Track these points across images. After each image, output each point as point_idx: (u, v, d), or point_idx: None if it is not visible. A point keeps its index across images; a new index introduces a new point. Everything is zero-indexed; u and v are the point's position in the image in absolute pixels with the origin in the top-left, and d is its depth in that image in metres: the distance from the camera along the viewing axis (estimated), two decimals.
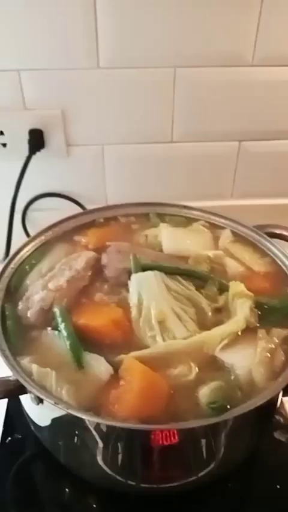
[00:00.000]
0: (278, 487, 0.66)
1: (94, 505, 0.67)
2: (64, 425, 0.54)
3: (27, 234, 1.09)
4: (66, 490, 0.68)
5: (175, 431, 0.48)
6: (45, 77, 0.92)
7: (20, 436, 0.72)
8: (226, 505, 0.66)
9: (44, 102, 0.95)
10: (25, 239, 0.73)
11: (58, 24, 0.86)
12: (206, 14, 0.88)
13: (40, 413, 0.58)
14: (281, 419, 0.75)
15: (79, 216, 0.80)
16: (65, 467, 0.66)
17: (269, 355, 0.55)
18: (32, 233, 0.82)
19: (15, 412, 0.73)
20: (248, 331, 0.59)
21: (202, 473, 0.58)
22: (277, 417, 0.74)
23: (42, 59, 0.90)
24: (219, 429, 0.51)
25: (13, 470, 0.68)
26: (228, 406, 0.49)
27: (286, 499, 0.64)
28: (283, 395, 0.56)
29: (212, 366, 0.55)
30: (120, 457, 0.54)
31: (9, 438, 0.72)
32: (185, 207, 0.83)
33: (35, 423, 0.63)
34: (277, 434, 0.73)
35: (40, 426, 0.61)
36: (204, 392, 0.51)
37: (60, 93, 0.94)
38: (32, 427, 0.65)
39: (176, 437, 0.50)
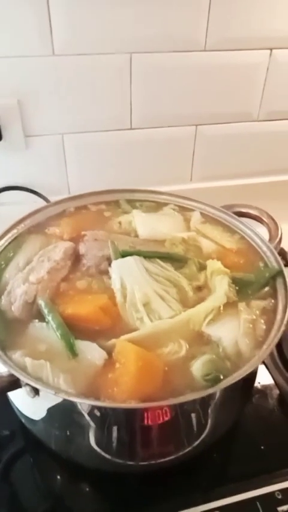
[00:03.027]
0: (262, 447, 0.70)
1: (87, 489, 0.68)
2: (62, 413, 0.55)
3: None
4: (58, 477, 0.68)
5: (175, 406, 0.50)
6: None
7: (7, 433, 0.71)
8: (216, 473, 0.69)
9: None
10: None
11: (10, 11, 0.84)
12: None
13: (34, 406, 0.58)
14: (258, 385, 0.80)
15: (49, 207, 0.79)
16: (55, 458, 0.66)
17: (251, 326, 0.59)
18: None
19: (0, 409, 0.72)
20: (230, 305, 0.62)
21: (195, 443, 0.61)
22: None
23: None
24: (213, 400, 0.54)
25: (2, 466, 0.68)
26: (221, 376, 0.52)
27: (272, 457, 0.68)
28: None
29: (200, 341, 0.58)
30: (120, 438, 0.55)
31: None
32: (153, 191, 0.84)
33: (27, 417, 0.62)
34: (255, 399, 0.78)
35: (34, 419, 0.61)
36: (197, 366, 0.53)
37: (15, 82, 0.92)
38: (24, 421, 0.65)
39: (175, 412, 0.52)
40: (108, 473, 0.65)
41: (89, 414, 0.51)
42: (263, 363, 0.86)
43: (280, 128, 1.15)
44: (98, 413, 0.52)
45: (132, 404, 0.48)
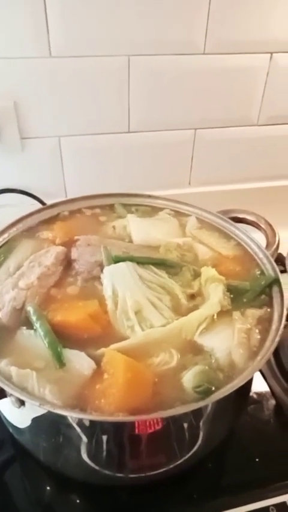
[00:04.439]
0: (257, 460, 0.68)
1: (77, 500, 0.66)
2: (47, 424, 0.53)
3: None
4: (47, 487, 0.66)
5: (164, 419, 0.48)
6: None
7: None
8: (209, 486, 0.67)
9: None
10: None
11: (6, 12, 0.83)
12: (157, 2, 0.88)
13: (21, 415, 0.57)
14: (254, 395, 0.78)
15: (42, 210, 0.77)
16: (44, 468, 0.65)
17: (245, 335, 0.57)
18: None
19: None
20: (224, 314, 0.60)
21: (187, 455, 0.59)
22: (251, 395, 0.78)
23: None
24: (205, 411, 0.53)
25: None
26: (213, 388, 0.50)
27: (267, 469, 0.67)
28: None
29: (192, 350, 0.56)
30: (109, 451, 0.53)
31: None
32: (149, 196, 0.83)
33: (14, 426, 0.61)
34: (251, 410, 0.76)
35: (20, 429, 0.59)
36: (188, 378, 0.52)
37: (11, 84, 0.91)
38: (11, 430, 0.63)
39: (165, 424, 0.50)
40: (98, 484, 0.64)
41: (75, 426, 0.50)
42: (260, 371, 0.84)
43: (280, 132, 1.13)
44: (84, 425, 0.50)
45: (119, 417, 0.46)
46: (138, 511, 0.63)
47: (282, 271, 0.75)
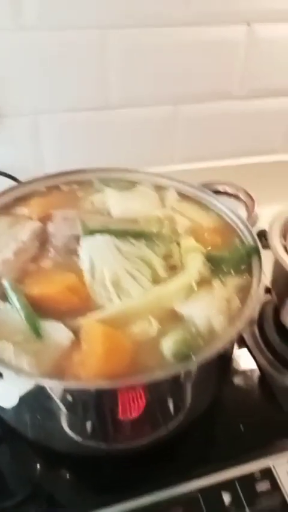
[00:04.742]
0: (242, 429, 0.69)
1: (68, 476, 0.66)
2: (31, 399, 0.52)
3: None
4: (35, 463, 0.66)
5: (143, 385, 0.48)
6: None
7: None
8: (195, 454, 0.67)
9: None
10: None
11: None
12: None
13: (5, 394, 0.56)
14: (239, 367, 0.79)
15: (19, 187, 0.76)
16: (32, 446, 0.65)
17: (225, 303, 0.57)
18: None
19: None
20: (203, 283, 0.60)
21: (171, 425, 0.59)
22: (235, 365, 0.78)
23: None
24: (185, 378, 0.52)
25: None
26: (192, 354, 0.50)
27: (251, 437, 0.67)
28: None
29: (171, 319, 0.56)
30: (89, 420, 0.53)
31: None
32: (128, 170, 0.81)
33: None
34: (236, 380, 0.76)
35: (5, 409, 0.59)
36: (168, 345, 0.51)
37: None
38: None
39: (145, 392, 0.50)
40: (85, 458, 0.64)
41: (54, 396, 0.49)
42: (245, 345, 0.84)
43: (261, 106, 1.12)
44: (64, 396, 0.49)
45: (93, 383, 0.46)
46: (126, 482, 0.63)
47: (265, 247, 0.75)
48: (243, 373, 0.79)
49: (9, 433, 0.65)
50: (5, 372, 0.47)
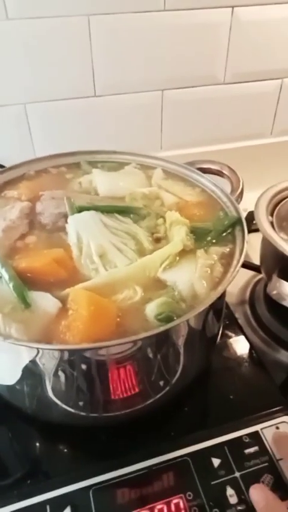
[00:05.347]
0: (231, 397, 0.70)
1: (65, 450, 0.67)
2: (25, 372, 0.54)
3: None
4: (37, 444, 0.68)
5: (129, 348, 0.50)
6: None
7: None
8: (185, 421, 0.69)
9: None
10: None
11: None
12: None
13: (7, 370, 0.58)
14: (230, 341, 0.80)
15: (8, 171, 0.77)
16: (28, 421, 0.66)
17: (208, 269, 0.59)
18: None
19: None
20: (187, 253, 0.61)
21: (161, 391, 0.61)
22: (225, 339, 0.80)
23: None
24: (171, 342, 0.54)
25: None
26: (175, 317, 0.51)
27: (240, 405, 0.69)
28: None
29: (155, 286, 0.57)
30: (79, 388, 0.55)
31: None
32: (115, 152, 0.83)
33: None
34: (225, 354, 0.78)
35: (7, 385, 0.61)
36: (151, 308, 0.53)
37: None
38: None
39: (131, 355, 0.52)
40: (78, 428, 0.65)
41: (39, 363, 0.51)
42: (237, 323, 0.86)
43: (247, 90, 1.14)
44: (51, 360, 0.51)
45: (77, 345, 0.48)
46: (119, 450, 0.64)
47: (254, 230, 0.77)
48: (235, 348, 0.80)
49: (5, 407, 0.67)
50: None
